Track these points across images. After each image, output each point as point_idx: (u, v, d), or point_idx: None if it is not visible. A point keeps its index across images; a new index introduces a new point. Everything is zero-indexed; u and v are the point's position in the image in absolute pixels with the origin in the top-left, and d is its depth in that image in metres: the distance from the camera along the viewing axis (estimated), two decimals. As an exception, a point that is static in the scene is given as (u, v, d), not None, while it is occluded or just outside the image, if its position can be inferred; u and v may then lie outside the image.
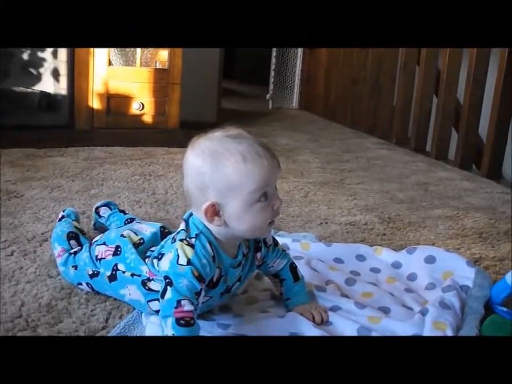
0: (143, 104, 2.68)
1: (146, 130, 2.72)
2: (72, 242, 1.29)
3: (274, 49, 4.61)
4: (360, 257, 1.42)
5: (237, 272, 1.06)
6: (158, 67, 2.72)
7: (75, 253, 1.24)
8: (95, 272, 1.16)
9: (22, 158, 2.33)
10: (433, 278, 1.30)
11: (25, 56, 2.68)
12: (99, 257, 1.16)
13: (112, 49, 2.65)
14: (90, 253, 1.18)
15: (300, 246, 1.45)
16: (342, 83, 3.96)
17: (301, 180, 2.28)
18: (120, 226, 1.34)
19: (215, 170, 0.96)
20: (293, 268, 1.17)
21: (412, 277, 1.33)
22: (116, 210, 1.52)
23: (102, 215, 1.51)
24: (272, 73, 4.68)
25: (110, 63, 2.62)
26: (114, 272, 1.12)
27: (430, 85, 2.99)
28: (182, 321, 0.93)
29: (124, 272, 1.11)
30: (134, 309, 1.14)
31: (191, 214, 1.04)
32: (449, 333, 1.06)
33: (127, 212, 1.54)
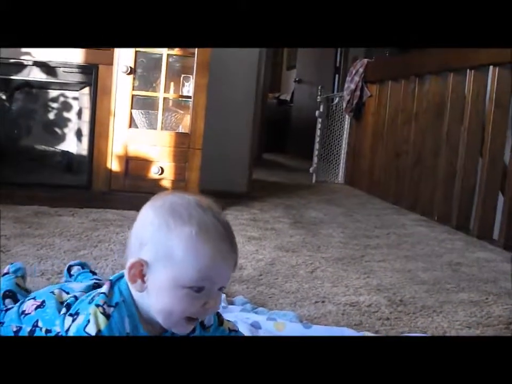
0: (162, 168, 2.58)
1: (164, 195, 2.62)
2: (8, 301, 1.16)
3: (320, 120, 4.50)
4: (344, 344, 1.18)
5: (157, 349, 0.87)
6: (180, 131, 2.64)
7: (7, 310, 1.11)
8: (19, 328, 1.03)
9: (30, 215, 2.27)
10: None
11: (51, 115, 2.69)
12: (26, 312, 1.03)
13: (136, 112, 2.60)
14: (19, 308, 1.06)
15: (274, 326, 1.24)
16: (385, 157, 3.75)
17: (315, 254, 2.07)
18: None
19: (162, 228, 0.82)
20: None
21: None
22: (87, 270, 1.39)
23: (72, 274, 1.38)
24: (317, 146, 4.55)
25: (130, 125, 2.57)
26: (34, 328, 0.99)
27: (475, 157, 2.74)
28: None
29: (41, 328, 0.98)
30: None
31: (121, 276, 0.89)
32: None
33: (96, 273, 1.40)
